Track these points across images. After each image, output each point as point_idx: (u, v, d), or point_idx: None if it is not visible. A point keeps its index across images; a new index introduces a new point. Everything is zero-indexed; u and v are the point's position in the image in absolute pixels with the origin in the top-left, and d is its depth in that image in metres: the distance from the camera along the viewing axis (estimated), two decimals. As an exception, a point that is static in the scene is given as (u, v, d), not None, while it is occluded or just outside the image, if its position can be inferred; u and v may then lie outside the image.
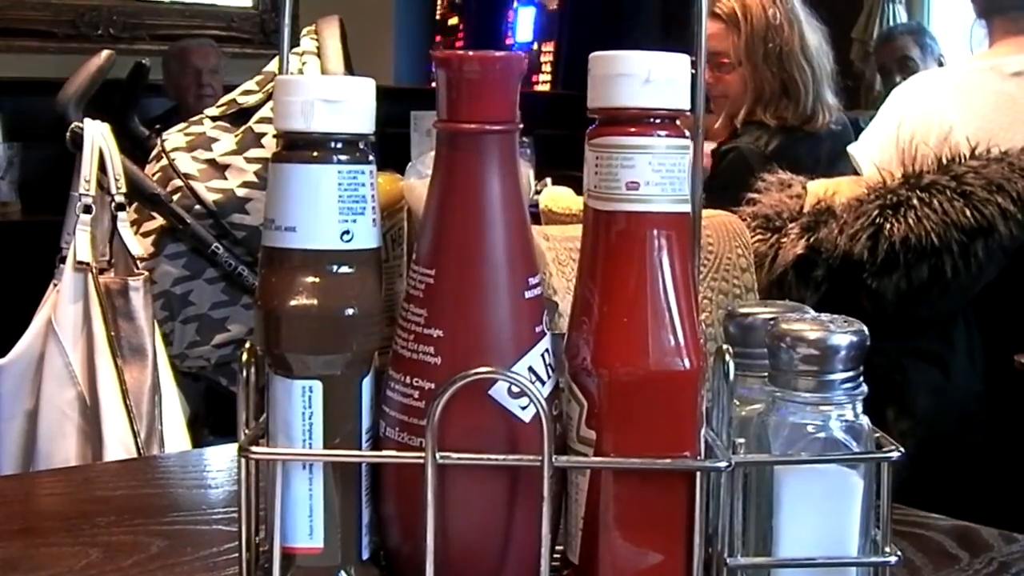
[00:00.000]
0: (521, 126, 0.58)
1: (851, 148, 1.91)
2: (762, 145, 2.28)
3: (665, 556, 0.56)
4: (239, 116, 2.02)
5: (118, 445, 1.45)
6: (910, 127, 1.75)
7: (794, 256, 1.55)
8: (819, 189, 1.63)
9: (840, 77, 2.44)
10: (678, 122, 0.57)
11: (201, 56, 3.90)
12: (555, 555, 0.59)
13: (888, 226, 1.51)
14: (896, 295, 1.52)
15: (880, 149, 1.81)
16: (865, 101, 3.74)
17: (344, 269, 0.57)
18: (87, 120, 1.68)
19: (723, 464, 0.55)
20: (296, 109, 0.56)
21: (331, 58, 1.94)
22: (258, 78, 2.06)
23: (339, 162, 0.57)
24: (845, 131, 2.38)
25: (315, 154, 0.57)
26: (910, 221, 1.50)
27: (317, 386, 0.56)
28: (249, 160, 1.96)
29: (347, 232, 0.56)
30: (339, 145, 0.57)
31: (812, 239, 1.56)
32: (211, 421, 2.15)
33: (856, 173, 1.82)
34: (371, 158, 0.58)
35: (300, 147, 0.57)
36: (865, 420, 0.57)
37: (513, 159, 0.57)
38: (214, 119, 2.04)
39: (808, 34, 2.34)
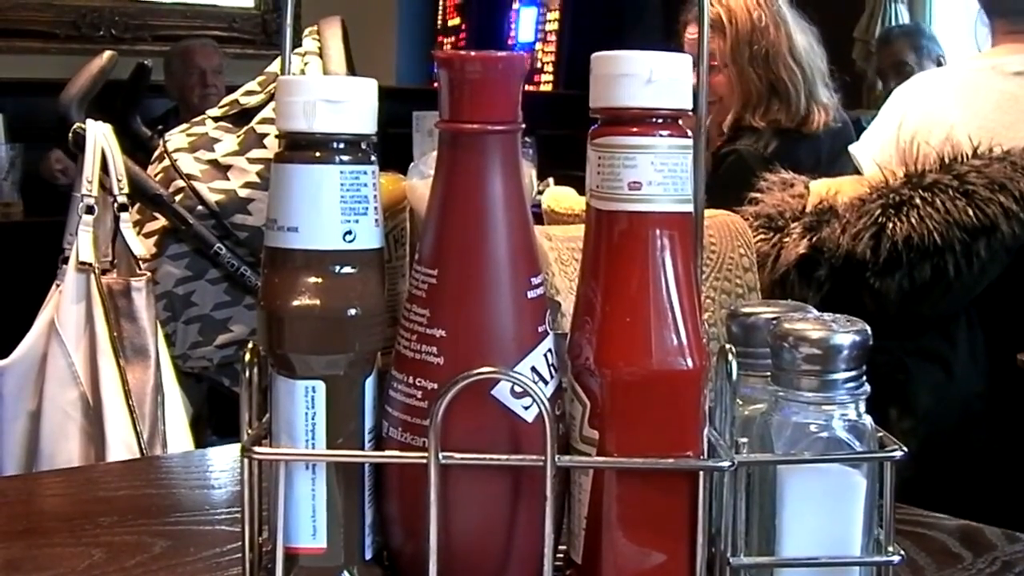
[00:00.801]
0: (523, 126, 0.58)
1: (852, 148, 1.91)
2: (761, 147, 2.28)
3: (668, 556, 0.56)
4: (241, 117, 2.02)
5: (121, 445, 1.45)
6: (911, 127, 1.75)
7: (796, 256, 1.55)
8: (821, 188, 1.63)
9: (838, 74, 2.43)
10: (680, 122, 0.57)
11: (205, 56, 3.91)
12: (558, 555, 0.59)
13: (891, 225, 1.51)
14: (898, 294, 1.52)
15: (881, 149, 1.81)
16: (867, 100, 3.74)
17: (346, 269, 0.57)
18: (89, 121, 1.68)
19: (726, 463, 0.55)
20: (298, 109, 0.56)
21: (333, 58, 1.94)
22: (260, 79, 2.06)
23: (341, 162, 0.57)
24: (845, 129, 2.38)
25: (317, 154, 0.57)
26: (912, 220, 1.50)
27: (320, 386, 0.57)
28: (251, 161, 1.96)
29: (349, 232, 0.56)
30: (341, 145, 0.57)
31: (814, 239, 1.55)
32: (214, 422, 2.15)
33: (857, 172, 1.82)
34: (373, 158, 0.58)
35: (302, 147, 0.57)
36: (868, 419, 0.57)
37: (515, 159, 0.57)
38: (216, 120, 2.04)
39: (796, 35, 2.34)
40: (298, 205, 0.56)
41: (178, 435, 1.56)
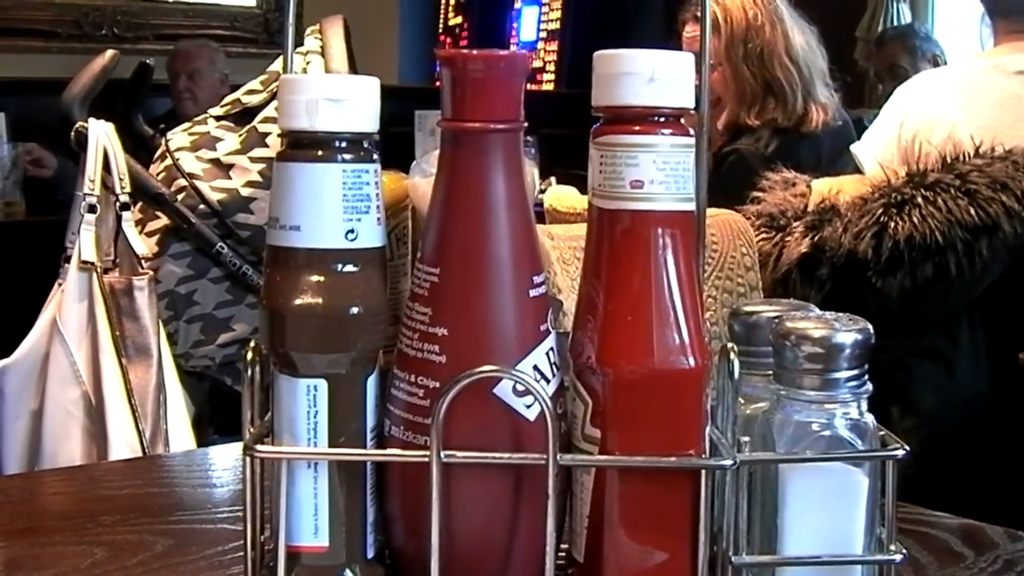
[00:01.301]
0: (526, 125, 0.58)
1: (854, 147, 1.91)
2: (762, 147, 2.28)
3: (670, 554, 0.56)
4: (243, 116, 2.02)
5: (123, 444, 1.45)
6: (913, 126, 1.75)
7: (798, 255, 1.55)
8: (823, 188, 1.63)
9: (839, 74, 2.43)
10: (682, 120, 0.57)
11: (183, 59, 3.96)
12: (560, 554, 0.59)
13: (892, 224, 1.51)
14: (900, 294, 1.52)
15: (883, 148, 1.81)
16: (869, 100, 3.74)
17: (349, 268, 0.57)
18: (91, 120, 1.68)
19: (728, 462, 0.55)
20: (300, 108, 0.56)
21: (335, 57, 1.94)
22: (262, 78, 2.06)
23: (343, 161, 0.57)
24: (846, 128, 2.38)
25: (319, 153, 0.57)
26: (914, 219, 1.50)
27: (322, 385, 0.57)
28: (253, 160, 1.96)
29: (352, 231, 0.57)
30: (343, 144, 0.57)
31: (816, 238, 1.55)
32: (216, 420, 2.15)
33: (859, 171, 1.82)
34: (375, 157, 0.58)
35: (304, 146, 0.57)
36: (870, 418, 0.57)
37: (517, 157, 0.57)
38: (218, 119, 2.04)
39: (793, 34, 2.34)
40: (300, 204, 0.56)
41: (180, 434, 1.56)
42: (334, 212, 0.56)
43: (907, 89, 1.87)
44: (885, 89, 3.21)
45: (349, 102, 0.57)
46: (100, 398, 1.47)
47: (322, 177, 0.56)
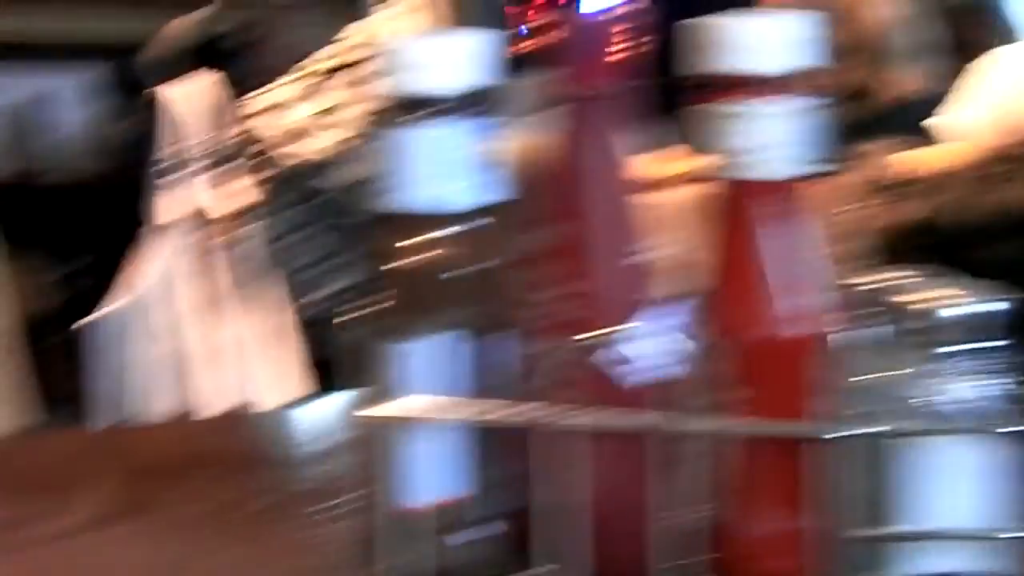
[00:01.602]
0: (633, 87, 0.57)
1: (936, 119, 1.87)
2: (851, 116, 2.24)
3: (789, 524, 0.55)
4: (321, 80, 2.03)
5: (214, 400, 1.47)
6: (1003, 95, 1.72)
7: (904, 222, 1.53)
8: (925, 155, 1.62)
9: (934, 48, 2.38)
10: (795, 84, 0.56)
11: (256, 23, 3.96)
12: (677, 521, 0.58)
13: (999, 194, 1.49)
14: (1010, 263, 1.50)
15: (974, 120, 1.78)
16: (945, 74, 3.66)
17: (471, 226, 0.56)
18: (175, 80, 1.70)
19: (851, 432, 0.53)
20: (406, 69, 0.56)
21: (429, 17, 1.94)
22: (343, 40, 2.06)
23: (455, 120, 0.56)
24: (932, 101, 2.33)
25: (430, 113, 0.56)
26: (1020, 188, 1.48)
27: (451, 345, 0.56)
28: (333, 123, 1.96)
29: (468, 189, 0.56)
30: (453, 104, 0.56)
31: (922, 206, 1.54)
32: (317, 377, 2.16)
33: (944, 144, 1.80)
34: (487, 114, 0.58)
35: (411, 108, 0.56)
36: (1012, 389, 0.55)
37: (623, 122, 0.57)
38: (297, 81, 2.05)
39: (880, 3, 2.30)
40: (415, 166, 0.56)
41: (287, 386, 1.56)
42: (450, 171, 0.56)
43: (992, 59, 1.83)
44: (961, 62, 3.13)
45: (456, 60, 0.56)
46: (188, 354, 1.49)
47: (436, 138, 0.56)
